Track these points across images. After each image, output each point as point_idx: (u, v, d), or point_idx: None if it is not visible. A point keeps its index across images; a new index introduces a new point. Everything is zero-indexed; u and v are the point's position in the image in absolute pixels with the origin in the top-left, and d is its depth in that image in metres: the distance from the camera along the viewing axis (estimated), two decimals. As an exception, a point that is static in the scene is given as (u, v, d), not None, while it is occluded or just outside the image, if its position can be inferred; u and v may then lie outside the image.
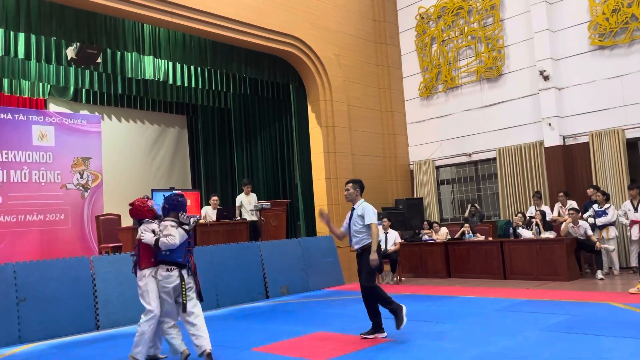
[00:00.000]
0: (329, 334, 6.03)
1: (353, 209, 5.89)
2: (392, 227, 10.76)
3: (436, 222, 11.78)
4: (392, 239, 10.52)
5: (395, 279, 10.54)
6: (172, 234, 4.97)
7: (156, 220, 5.23)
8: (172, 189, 10.42)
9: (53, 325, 6.88)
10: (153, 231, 5.13)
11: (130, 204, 5.30)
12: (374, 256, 5.63)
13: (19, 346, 6.47)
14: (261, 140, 14.42)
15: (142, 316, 5.09)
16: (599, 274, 9.08)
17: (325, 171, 11.70)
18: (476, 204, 11.72)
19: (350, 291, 9.74)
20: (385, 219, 10.70)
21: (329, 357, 4.95)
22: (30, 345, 6.49)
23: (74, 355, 5.87)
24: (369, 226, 5.70)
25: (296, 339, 5.85)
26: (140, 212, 5.27)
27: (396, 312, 5.56)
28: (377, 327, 5.69)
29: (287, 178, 14.13)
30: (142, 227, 5.17)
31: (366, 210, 5.75)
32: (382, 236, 10.57)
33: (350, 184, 5.94)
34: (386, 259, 10.47)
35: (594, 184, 10.47)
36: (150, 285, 5.10)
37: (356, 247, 5.85)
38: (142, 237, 5.05)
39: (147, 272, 5.11)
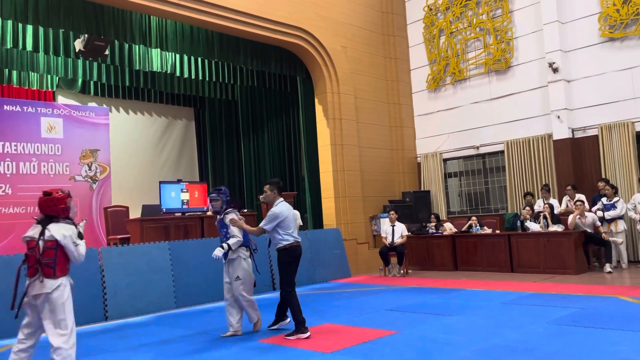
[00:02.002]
0: (336, 325, 6.04)
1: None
2: (399, 219, 10.75)
3: (443, 219, 11.75)
4: (399, 232, 10.52)
5: (402, 271, 10.55)
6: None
7: (68, 220, 4.40)
8: (179, 181, 10.46)
9: (62, 316, 6.93)
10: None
11: (45, 192, 4.39)
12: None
13: (29, 336, 6.52)
14: (268, 132, 14.42)
15: None
16: (607, 267, 9.04)
17: (332, 164, 11.69)
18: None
19: (357, 283, 9.76)
20: (392, 212, 10.70)
21: (335, 349, 4.97)
22: (40, 335, 6.55)
23: (82, 345, 5.92)
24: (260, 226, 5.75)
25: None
26: (53, 208, 4.35)
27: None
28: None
29: (294, 170, 14.14)
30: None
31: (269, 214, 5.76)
32: (389, 229, 10.58)
33: (267, 186, 5.93)
34: (393, 252, 10.49)
35: (603, 177, 10.40)
36: None
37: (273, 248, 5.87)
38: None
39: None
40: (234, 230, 5.88)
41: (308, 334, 5.49)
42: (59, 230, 4.25)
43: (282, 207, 5.76)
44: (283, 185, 15.10)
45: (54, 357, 4.23)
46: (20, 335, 4.33)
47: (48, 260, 4.21)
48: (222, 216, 6.00)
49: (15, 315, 4.25)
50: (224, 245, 5.78)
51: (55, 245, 4.23)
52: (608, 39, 10.57)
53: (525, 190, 11.48)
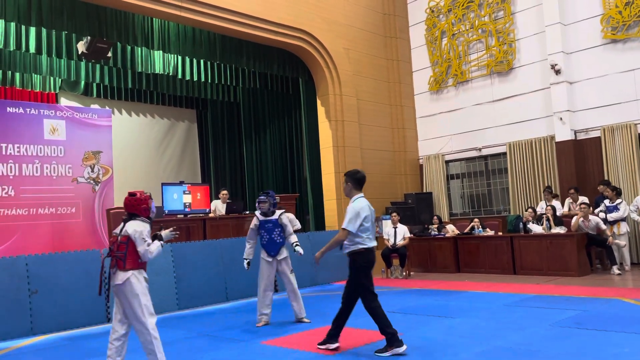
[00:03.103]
0: (338, 327, 6.03)
1: None
2: (401, 221, 10.75)
3: (445, 221, 11.74)
4: (401, 234, 10.51)
5: (404, 273, 10.54)
6: None
7: (146, 219, 4.66)
8: (181, 182, 10.47)
9: (64, 318, 6.96)
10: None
11: (131, 193, 4.76)
12: (316, 257, 5.29)
13: (31, 338, 6.55)
14: (270, 134, 14.43)
15: None
16: (615, 270, 9.02)
17: (334, 165, 11.69)
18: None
19: (359, 285, 9.73)
20: (394, 214, 10.69)
21: (337, 351, 4.96)
22: (41, 337, 6.57)
23: (85, 346, 5.93)
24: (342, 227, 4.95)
25: (305, 332, 5.87)
26: (137, 207, 4.67)
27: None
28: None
29: (296, 172, 14.14)
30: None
31: (347, 210, 5.02)
32: (391, 231, 10.57)
33: (344, 178, 5.19)
34: (395, 254, 10.48)
35: (606, 179, 10.38)
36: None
37: (344, 251, 5.07)
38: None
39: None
40: (291, 229, 6.59)
41: (404, 347, 4.69)
42: (132, 226, 4.52)
43: (361, 203, 4.99)
44: (285, 187, 15.07)
45: (141, 341, 4.51)
46: (114, 324, 4.60)
47: (120, 253, 4.50)
48: (276, 217, 6.56)
49: (107, 300, 4.84)
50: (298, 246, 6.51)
51: (127, 240, 4.51)
52: (610, 40, 10.56)
53: (527, 192, 11.48)
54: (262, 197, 6.59)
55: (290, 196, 11.20)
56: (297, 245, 6.52)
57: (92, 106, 12.84)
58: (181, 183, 10.32)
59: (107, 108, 12.90)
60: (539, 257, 9.52)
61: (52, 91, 12.24)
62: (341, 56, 12.07)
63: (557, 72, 10.91)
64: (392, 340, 4.70)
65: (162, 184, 9.87)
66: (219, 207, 10.30)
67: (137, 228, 4.50)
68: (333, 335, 5.01)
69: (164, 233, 4.70)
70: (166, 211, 9.48)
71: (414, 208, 12.52)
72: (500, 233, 10.64)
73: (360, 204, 4.94)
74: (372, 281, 4.93)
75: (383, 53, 13.40)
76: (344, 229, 4.86)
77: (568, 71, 10.97)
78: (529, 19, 11.73)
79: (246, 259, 6.60)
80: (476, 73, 12.62)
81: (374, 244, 4.98)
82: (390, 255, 10.52)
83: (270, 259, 6.51)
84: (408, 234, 10.65)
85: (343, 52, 12.16)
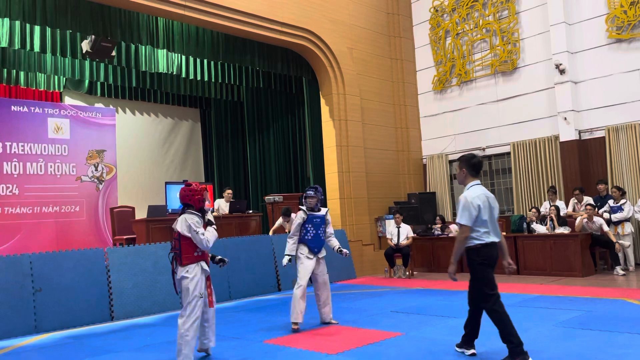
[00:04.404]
0: (341, 327, 6.04)
1: None
2: (404, 221, 10.74)
3: (448, 221, 11.72)
4: (405, 233, 10.50)
5: (407, 273, 10.53)
6: None
7: (195, 210, 4.76)
8: (185, 181, 10.46)
9: (68, 316, 6.98)
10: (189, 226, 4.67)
11: (187, 183, 4.89)
12: (449, 268, 4.46)
13: (35, 336, 6.58)
14: (274, 133, 14.44)
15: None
16: (619, 270, 8.99)
17: (338, 165, 11.68)
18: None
19: (362, 285, 9.75)
20: (397, 214, 10.69)
21: (340, 351, 4.96)
22: (45, 335, 6.59)
23: (88, 345, 5.95)
24: (458, 223, 4.40)
25: (308, 331, 5.86)
26: (192, 198, 4.80)
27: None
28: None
29: (299, 171, 14.14)
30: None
31: (459, 201, 4.41)
32: (394, 230, 10.56)
33: (457, 163, 4.59)
34: (398, 253, 10.47)
35: (610, 179, 10.35)
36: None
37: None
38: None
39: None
40: (332, 229, 6.41)
41: None
42: (179, 223, 4.66)
43: (475, 191, 4.34)
44: (288, 186, 15.02)
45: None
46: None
47: (176, 250, 4.69)
48: (324, 213, 6.29)
49: (179, 295, 4.81)
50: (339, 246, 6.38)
51: (178, 236, 4.65)
52: (615, 40, 10.52)
53: (531, 192, 11.44)
54: (310, 192, 6.27)
55: (294, 195, 11.21)
56: (340, 248, 6.39)
57: (96, 105, 12.88)
58: (185, 182, 10.31)
59: (111, 107, 12.94)
60: (543, 258, 9.49)
61: (57, 90, 12.28)
62: (345, 55, 12.06)
63: (562, 71, 10.87)
64: (515, 352, 4.13)
65: (166, 183, 9.89)
66: (222, 206, 10.32)
67: (184, 223, 4.61)
68: (467, 341, 4.59)
69: (210, 215, 4.81)
70: (170, 210, 9.49)
71: (417, 208, 12.50)
72: (503, 233, 10.60)
73: (474, 192, 4.31)
74: (492, 281, 4.36)
75: (387, 52, 13.38)
76: (459, 224, 4.30)
77: (572, 71, 10.94)
78: (534, 19, 11.69)
79: (290, 255, 6.16)
80: (480, 73, 12.59)
81: (493, 239, 4.32)
82: (394, 255, 10.52)
83: (312, 256, 6.17)
84: (411, 234, 10.64)
85: (347, 51, 12.15)
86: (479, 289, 4.35)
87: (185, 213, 4.71)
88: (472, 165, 4.43)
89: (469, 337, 4.58)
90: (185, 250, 4.65)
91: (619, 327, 5.17)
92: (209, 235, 4.68)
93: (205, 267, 4.77)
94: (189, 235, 4.62)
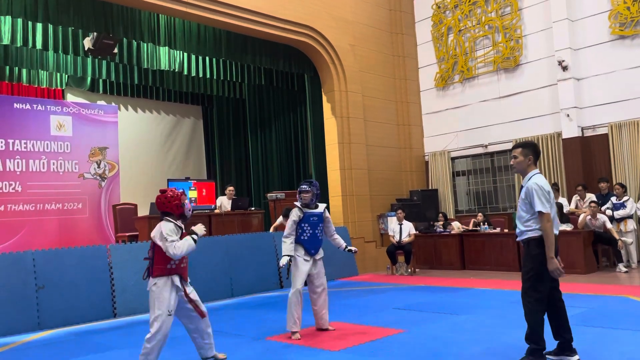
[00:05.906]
0: (343, 324, 6.04)
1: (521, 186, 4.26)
2: (406, 218, 10.73)
3: (450, 218, 11.70)
4: (407, 231, 10.50)
5: (409, 270, 10.53)
6: None
7: (179, 221, 4.45)
8: (187, 179, 10.50)
9: (71, 313, 7.00)
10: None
11: (162, 190, 4.49)
12: (550, 265, 3.95)
13: (38, 333, 6.59)
14: (276, 130, 14.44)
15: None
16: (622, 267, 8.98)
17: (340, 162, 11.68)
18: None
19: (365, 282, 9.75)
20: (399, 210, 10.68)
21: (342, 348, 4.97)
22: (48, 332, 6.61)
23: (91, 341, 5.97)
24: (540, 212, 3.99)
25: (310, 328, 5.87)
26: (168, 205, 4.42)
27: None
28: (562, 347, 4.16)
29: (301, 168, 14.14)
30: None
31: (529, 190, 4.06)
32: (396, 227, 10.56)
33: (519, 149, 4.22)
34: (400, 250, 10.47)
35: (613, 176, 10.32)
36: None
37: (518, 238, 4.21)
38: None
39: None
40: (333, 227, 5.93)
41: None
42: (155, 230, 4.31)
43: (542, 179, 4.11)
44: (290, 184, 15.05)
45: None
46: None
47: (149, 259, 4.39)
48: (321, 210, 5.78)
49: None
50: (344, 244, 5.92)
51: (153, 245, 4.34)
52: (618, 36, 10.48)
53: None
54: (304, 186, 5.72)
55: (296, 192, 11.18)
56: (347, 247, 5.91)
57: (99, 102, 12.89)
58: (187, 179, 10.35)
59: (113, 104, 12.95)
60: (545, 255, 9.46)
61: (59, 87, 12.30)
62: (347, 52, 12.04)
63: (564, 68, 10.84)
64: (534, 354, 3.95)
65: (168, 180, 9.91)
66: (224, 203, 10.33)
67: (158, 230, 4.26)
68: (564, 349, 4.15)
69: (197, 228, 4.38)
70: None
71: (420, 205, 12.49)
72: (506, 230, 10.61)
73: (544, 180, 4.10)
74: (547, 278, 4.05)
75: (389, 49, 13.36)
76: (541, 212, 3.95)
77: (575, 67, 10.90)
78: (536, 15, 11.65)
79: (289, 256, 5.56)
80: (482, 69, 12.56)
81: (555, 230, 4.05)
82: (396, 252, 10.52)
83: (308, 258, 5.63)
84: (413, 231, 10.64)
85: (349, 48, 12.13)
86: (532, 284, 4.02)
87: (163, 221, 4.34)
88: (537, 153, 4.22)
89: (564, 344, 4.12)
90: (158, 261, 4.28)
91: (621, 324, 5.17)
92: (182, 244, 4.21)
93: (178, 282, 4.31)
94: (161, 244, 4.24)
